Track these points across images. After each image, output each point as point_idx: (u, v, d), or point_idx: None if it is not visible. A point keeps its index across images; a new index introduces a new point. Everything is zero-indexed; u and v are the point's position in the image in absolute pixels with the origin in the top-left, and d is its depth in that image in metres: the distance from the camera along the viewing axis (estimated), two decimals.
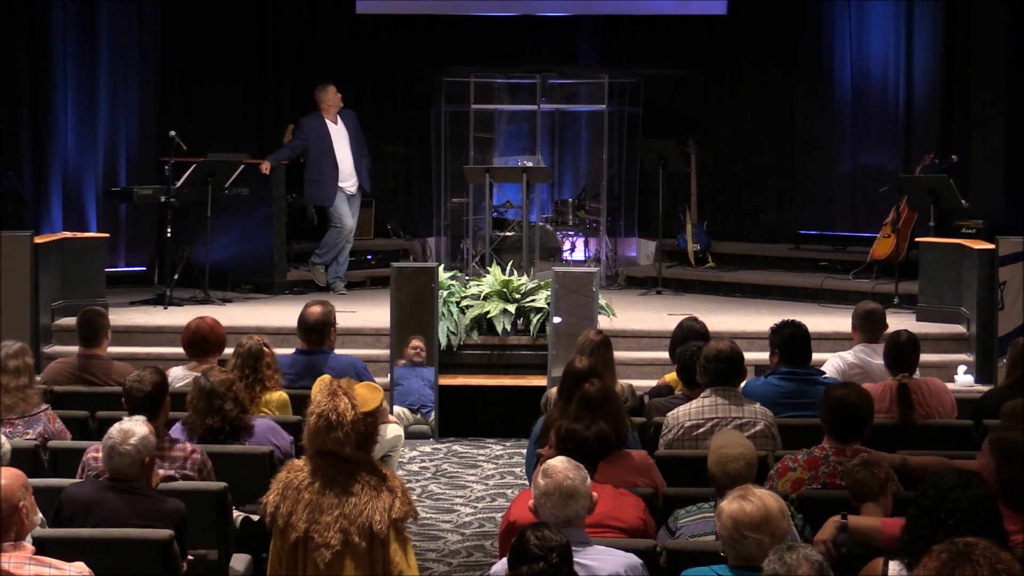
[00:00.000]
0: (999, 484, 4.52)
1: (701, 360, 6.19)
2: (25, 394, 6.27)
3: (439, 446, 9.32)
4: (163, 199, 11.44)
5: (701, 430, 6.00)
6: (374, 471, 4.46)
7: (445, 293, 9.91)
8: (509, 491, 8.24)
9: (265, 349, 6.68)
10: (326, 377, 4.66)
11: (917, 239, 11.40)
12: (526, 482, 6.89)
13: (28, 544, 4.38)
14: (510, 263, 10.86)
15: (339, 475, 4.40)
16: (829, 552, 4.54)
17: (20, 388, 6.26)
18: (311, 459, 4.46)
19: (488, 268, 10.70)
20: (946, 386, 6.96)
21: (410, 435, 9.14)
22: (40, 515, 4.72)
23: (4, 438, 5.12)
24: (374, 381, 7.20)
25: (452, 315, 9.88)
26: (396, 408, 9.15)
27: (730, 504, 4.10)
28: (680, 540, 4.81)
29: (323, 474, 4.41)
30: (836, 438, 5.42)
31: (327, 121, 12.18)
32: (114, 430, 5.03)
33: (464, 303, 10.02)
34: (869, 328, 7.29)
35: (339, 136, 12.17)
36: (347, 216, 12.15)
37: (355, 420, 4.39)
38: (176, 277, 11.48)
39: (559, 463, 4.44)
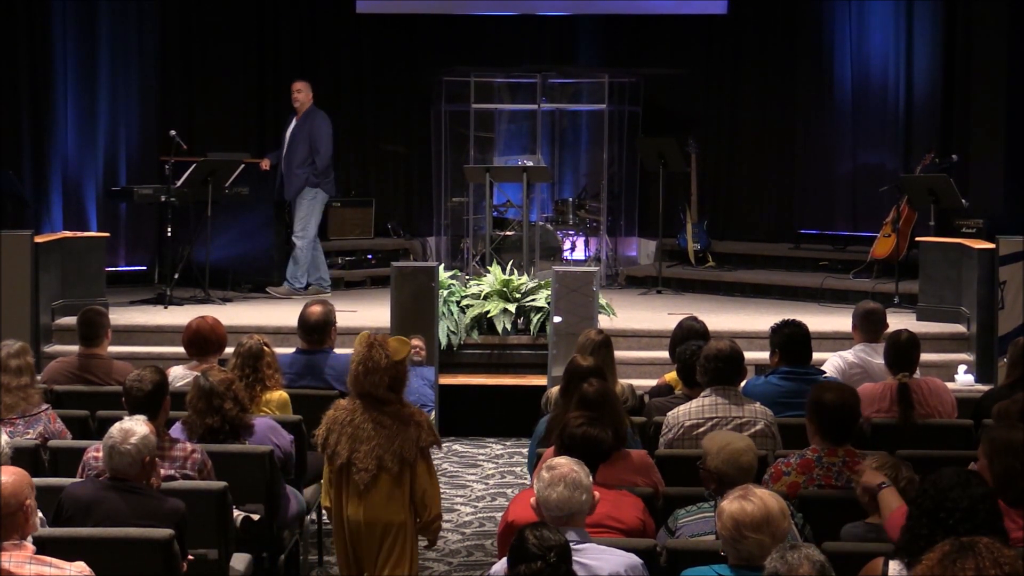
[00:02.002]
0: (994, 479, 4.53)
1: (701, 360, 6.18)
2: (27, 393, 6.26)
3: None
4: (163, 198, 11.44)
5: (701, 430, 5.99)
6: (403, 408, 5.40)
7: (445, 292, 9.91)
8: (509, 491, 8.25)
9: (265, 348, 6.68)
10: (365, 332, 5.50)
11: (917, 239, 11.41)
12: (526, 481, 6.90)
13: (29, 543, 4.38)
14: (510, 262, 10.86)
15: (375, 412, 5.35)
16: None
17: (22, 387, 6.25)
18: (352, 400, 5.41)
19: (488, 267, 10.70)
20: (946, 386, 6.95)
21: None
22: (40, 515, 4.71)
23: (5, 437, 5.11)
24: None
25: (452, 314, 9.88)
26: None
27: (731, 504, 4.10)
28: (680, 540, 4.80)
29: (362, 411, 5.36)
30: (829, 440, 5.42)
31: (293, 118, 12.19)
32: (114, 429, 5.03)
33: (464, 302, 10.02)
34: (869, 328, 7.29)
35: (288, 135, 12.15)
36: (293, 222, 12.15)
37: (388, 366, 5.33)
38: (176, 276, 11.48)
39: (562, 459, 4.46)
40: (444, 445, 9.32)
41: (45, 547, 4.52)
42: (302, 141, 12.04)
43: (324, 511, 5.61)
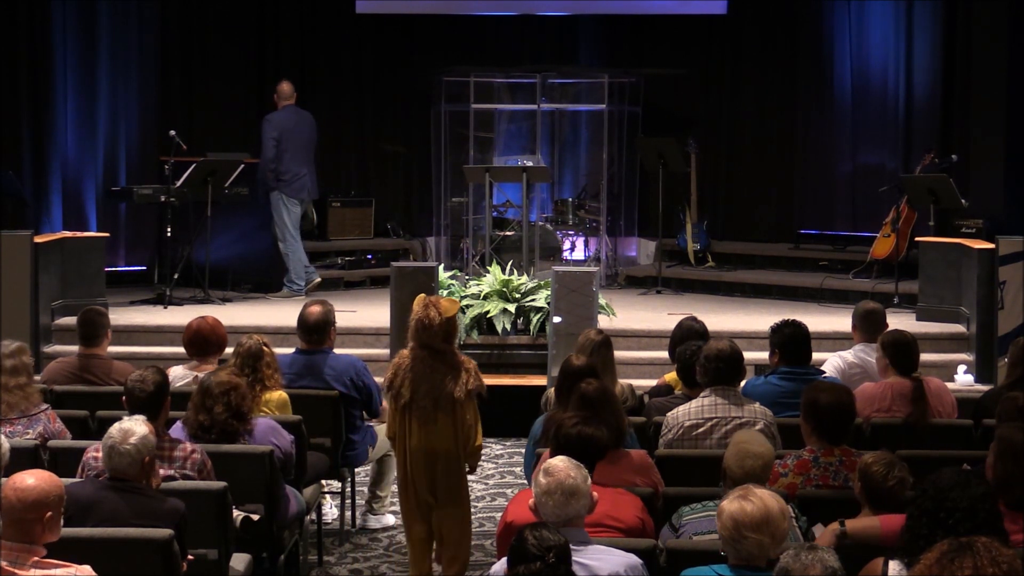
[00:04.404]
0: (995, 479, 4.53)
1: (701, 360, 6.18)
2: (25, 393, 6.25)
3: None
4: (163, 198, 11.44)
5: (701, 430, 6.00)
6: (455, 356, 6.33)
7: (445, 292, 9.91)
8: (509, 491, 8.25)
9: (265, 348, 6.68)
10: (423, 295, 6.46)
11: (917, 239, 11.41)
12: (526, 482, 6.90)
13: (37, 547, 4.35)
14: (510, 262, 10.85)
15: (431, 360, 6.26)
16: None
17: (20, 387, 6.24)
18: (412, 350, 6.30)
19: (488, 267, 10.70)
20: (946, 386, 6.95)
21: None
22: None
23: (4, 438, 5.10)
24: (373, 380, 7.27)
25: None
26: None
27: (730, 504, 4.10)
28: (681, 540, 4.80)
29: (421, 359, 6.27)
30: (828, 440, 5.42)
31: None
32: (114, 430, 5.03)
33: (464, 302, 10.00)
34: (869, 328, 7.29)
35: None
36: None
37: (442, 322, 6.25)
38: (176, 276, 11.48)
39: (560, 462, 4.45)
40: None
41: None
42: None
43: (389, 441, 6.69)
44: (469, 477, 8.50)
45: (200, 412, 5.93)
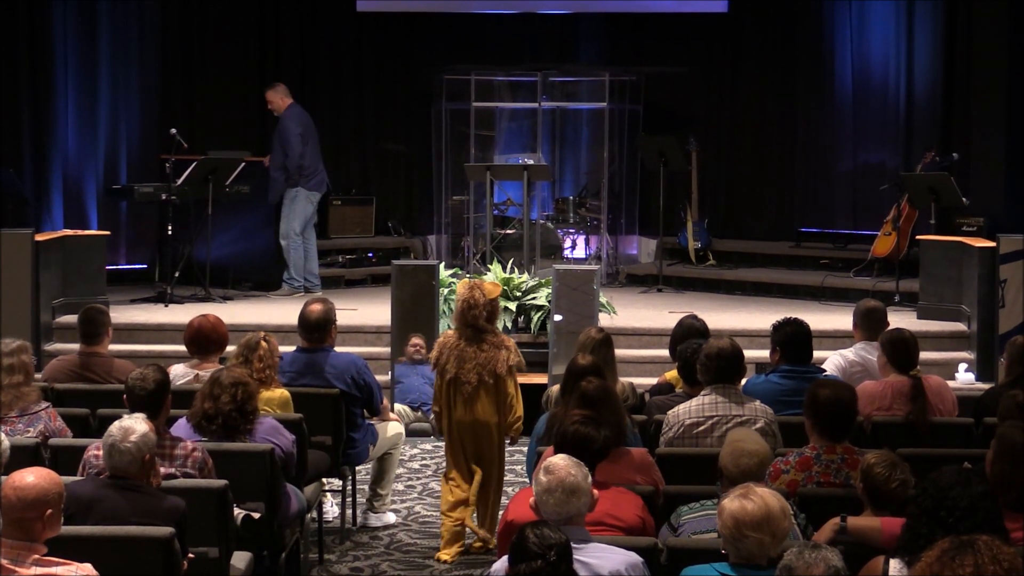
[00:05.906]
0: (993, 478, 4.53)
1: (701, 358, 6.18)
2: (20, 392, 6.23)
3: (440, 444, 9.30)
4: (164, 197, 11.45)
5: (701, 428, 6.00)
6: (496, 335, 7.00)
7: (446, 291, 9.91)
8: (509, 489, 8.23)
9: (263, 344, 6.68)
10: (466, 279, 7.23)
11: (918, 237, 11.42)
12: (527, 480, 6.90)
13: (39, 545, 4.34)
14: (511, 261, 10.86)
15: (475, 338, 6.93)
16: None
17: (14, 386, 6.22)
18: (457, 329, 6.99)
19: (489, 266, 10.71)
20: (947, 384, 6.95)
21: (411, 433, 9.15)
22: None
23: (4, 436, 5.09)
24: (374, 379, 7.27)
25: (453, 313, 9.87)
26: (397, 406, 9.16)
27: (731, 503, 4.10)
28: (681, 538, 4.80)
29: (466, 338, 6.93)
30: (829, 437, 5.41)
31: None
32: (114, 428, 5.02)
33: None
34: (870, 326, 7.29)
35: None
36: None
37: (485, 303, 6.89)
38: (177, 275, 11.49)
39: (560, 460, 4.45)
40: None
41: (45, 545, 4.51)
42: (276, 145, 12.12)
43: (433, 414, 7.35)
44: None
45: (207, 400, 5.94)
